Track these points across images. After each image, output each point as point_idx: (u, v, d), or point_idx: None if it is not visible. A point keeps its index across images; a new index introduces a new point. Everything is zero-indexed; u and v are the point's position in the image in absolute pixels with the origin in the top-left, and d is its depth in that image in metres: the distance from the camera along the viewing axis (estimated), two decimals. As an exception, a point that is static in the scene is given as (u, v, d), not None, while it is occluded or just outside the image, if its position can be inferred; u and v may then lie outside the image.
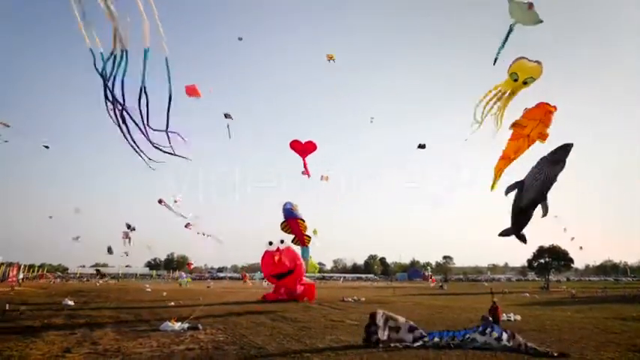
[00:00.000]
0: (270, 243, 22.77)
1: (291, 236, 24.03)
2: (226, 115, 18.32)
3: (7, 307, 16.00)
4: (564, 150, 9.78)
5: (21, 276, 47.90)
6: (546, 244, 54.39)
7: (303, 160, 19.39)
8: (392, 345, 10.20)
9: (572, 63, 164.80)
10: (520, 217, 10.83)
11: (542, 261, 55.03)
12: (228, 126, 17.97)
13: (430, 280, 74.16)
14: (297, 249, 23.65)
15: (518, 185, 10.69)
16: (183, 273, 66.15)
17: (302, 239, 23.75)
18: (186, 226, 29.15)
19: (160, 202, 25.30)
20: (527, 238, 11.24)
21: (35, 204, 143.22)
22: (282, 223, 24.18)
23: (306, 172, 19.93)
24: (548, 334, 12.49)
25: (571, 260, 53.45)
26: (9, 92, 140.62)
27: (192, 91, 16.07)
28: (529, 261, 57.80)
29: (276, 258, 21.57)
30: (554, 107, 10.17)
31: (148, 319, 15.23)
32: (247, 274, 66.37)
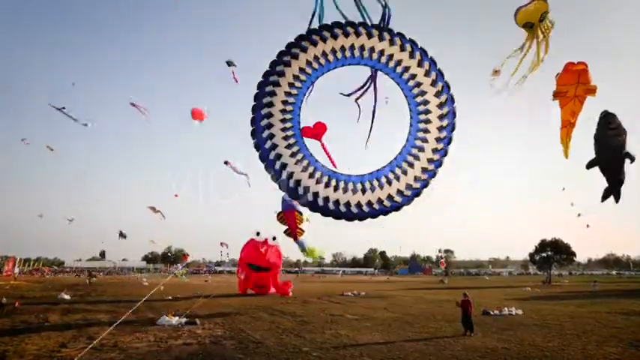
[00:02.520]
0: (258, 234, 22.51)
1: (284, 227, 23.36)
2: (229, 63, 17.92)
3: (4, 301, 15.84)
4: (606, 121, 9.23)
5: (17, 270, 47.45)
6: (549, 237, 54.23)
7: (322, 145, 18.31)
8: None
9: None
10: (612, 179, 10.14)
11: (544, 255, 54.72)
12: (233, 72, 17.65)
13: (440, 265, 70.80)
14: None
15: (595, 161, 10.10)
16: (179, 265, 65.24)
17: (294, 232, 23.05)
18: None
19: (226, 163, 24.28)
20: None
21: (32, 196, 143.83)
22: (278, 214, 23.50)
23: (331, 162, 18.76)
24: (550, 329, 12.36)
25: (573, 254, 53.06)
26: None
27: (197, 115, 15.94)
28: (531, 255, 57.50)
29: (263, 249, 21.32)
30: (583, 63, 9.63)
31: (144, 313, 15.14)
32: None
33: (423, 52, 10.45)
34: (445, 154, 10.49)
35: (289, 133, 10.14)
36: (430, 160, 10.24)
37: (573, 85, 9.58)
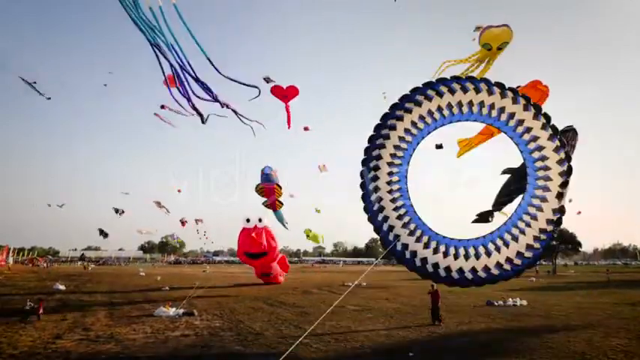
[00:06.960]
0: (248, 220, 22.07)
1: (264, 199, 22.90)
2: (267, 80, 17.16)
3: None
4: (563, 136, 9.26)
5: (11, 260, 46.92)
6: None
7: (286, 106, 18.12)
8: None
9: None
10: (506, 200, 10.22)
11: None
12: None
13: None
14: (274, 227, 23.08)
15: (514, 170, 10.16)
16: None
17: (274, 204, 22.53)
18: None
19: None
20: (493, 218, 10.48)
21: (27, 185, 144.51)
22: (257, 185, 22.92)
23: (288, 121, 18.61)
24: (555, 321, 12.09)
25: (579, 244, 52.57)
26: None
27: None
28: (535, 245, 57.01)
29: (253, 234, 20.96)
30: (546, 86, 9.68)
31: (141, 305, 15.04)
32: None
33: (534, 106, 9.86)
34: (563, 213, 9.57)
35: (395, 188, 9.80)
36: (549, 221, 9.34)
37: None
